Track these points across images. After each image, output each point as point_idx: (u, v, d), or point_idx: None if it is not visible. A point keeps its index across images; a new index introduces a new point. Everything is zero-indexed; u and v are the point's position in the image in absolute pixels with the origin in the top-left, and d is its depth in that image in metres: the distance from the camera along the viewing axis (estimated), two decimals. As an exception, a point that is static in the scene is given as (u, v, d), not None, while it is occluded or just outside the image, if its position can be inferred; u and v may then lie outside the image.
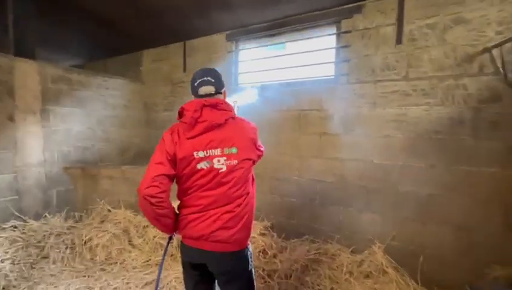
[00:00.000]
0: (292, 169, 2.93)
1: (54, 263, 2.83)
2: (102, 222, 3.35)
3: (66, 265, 2.83)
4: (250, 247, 1.46)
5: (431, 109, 2.23)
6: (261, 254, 2.70)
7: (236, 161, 1.32)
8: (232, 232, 1.31)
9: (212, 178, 1.31)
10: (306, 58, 2.86)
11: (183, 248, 1.39)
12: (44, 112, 3.11)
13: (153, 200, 1.22)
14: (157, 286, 1.51)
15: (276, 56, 3.04)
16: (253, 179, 1.46)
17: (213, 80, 1.37)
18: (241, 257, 1.37)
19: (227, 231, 1.31)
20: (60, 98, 3.24)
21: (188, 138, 1.29)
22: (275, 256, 2.73)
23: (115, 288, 2.50)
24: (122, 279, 2.62)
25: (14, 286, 2.48)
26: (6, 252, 2.65)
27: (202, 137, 1.30)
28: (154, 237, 3.18)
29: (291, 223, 2.95)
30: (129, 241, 3.18)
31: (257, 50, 3.21)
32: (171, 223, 1.34)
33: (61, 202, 3.36)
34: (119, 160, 4.01)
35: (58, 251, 2.88)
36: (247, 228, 1.36)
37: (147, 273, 2.74)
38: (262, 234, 2.89)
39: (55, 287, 2.50)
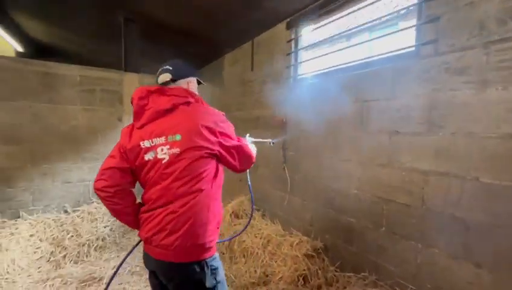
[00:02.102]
0: (351, 179, 2.22)
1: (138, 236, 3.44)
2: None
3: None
4: (216, 261, 1.17)
5: None
6: (300, 280, 2.20)
7: (178, 150, 1.10)
8: (173, 239, 1.08)
9: (157, 170, 1.14)
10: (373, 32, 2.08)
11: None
12: (141, 113, 3.83)
13: (102, 194, 1.17)
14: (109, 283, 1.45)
15: (337, 34, 2.40)
16: (216, 176, 1.17)
17: (171, 68, 1.28)
18: (190, 272, 1.10)
19: (169, 236, 1.08)
20: (153, 101, 3.90)
21: (138, 128, 1.19)
22: (319, 288, 2.16)
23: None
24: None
25: (107, 247, 3.17)
26: (109, 221, 3.41)
27: (150, 125, 1.17)
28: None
29: (349, 250, 2.25)
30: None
31: (317, 32, 2.66)
32: (132, 221, 1.25)
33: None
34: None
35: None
36: (194, 235, 1.08)
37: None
38: (309, 256, 2.36)
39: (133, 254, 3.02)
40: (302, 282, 2.20)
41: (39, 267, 2.68)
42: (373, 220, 2.05)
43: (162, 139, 1.12)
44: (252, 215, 1.96)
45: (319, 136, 2.53)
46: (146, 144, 1.14)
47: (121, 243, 3.29)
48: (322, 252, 2.41)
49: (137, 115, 1.18)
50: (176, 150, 1.10)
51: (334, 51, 2.39)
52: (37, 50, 4.92)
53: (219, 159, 1.20)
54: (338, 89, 2.28)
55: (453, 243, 1.59)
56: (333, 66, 2.42)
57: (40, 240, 2.93)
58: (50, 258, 2.82)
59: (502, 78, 1.38)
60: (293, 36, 2.87)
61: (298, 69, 2.85)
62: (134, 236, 3.42)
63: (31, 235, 2.93)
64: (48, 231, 3.02)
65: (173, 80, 1.26)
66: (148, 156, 1.13)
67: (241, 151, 1.27)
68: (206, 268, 1.12)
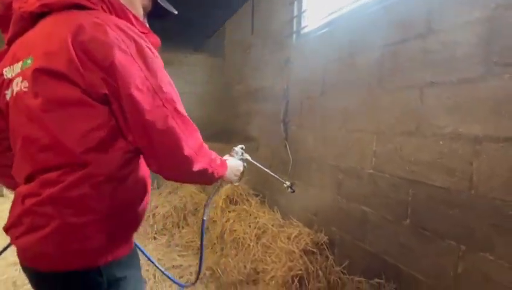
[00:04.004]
0: (365, 155, 1.66)
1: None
2: (170, 193, 3.45)
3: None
4: (122, 267, 0.72)
5: None
6: (295, 281, 1.73)
7: (26, 83, 0.65)
8: (34, 238, 0.64)
9: (13, 119, 0.72)
10: None
11: None
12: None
13: None
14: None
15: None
16: (116, 139, 0.67)
17: None
18: (73, 285, 0.67)
19: (30, 233, 0.65)
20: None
21: (7, 44, 0.76)
22: (318, 293, 1.68)
23: (147, 260, 2.39)
24: (159, 253, 2.51)
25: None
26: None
27: (16, 42, 0.73)
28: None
29: (360, 247, 1.72)
30: (184, 217, 3.08)
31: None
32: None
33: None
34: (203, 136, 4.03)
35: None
36: (74, 240, 0.64)
37: (180, 255, 2.49)
38: (309, 253, 1.88)
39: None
40: (298, 285, 1.72)
41: None
42: (394, 209, 1.50)
43: (19, 66, 0.67)
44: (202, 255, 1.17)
45: (325, 104, 1.98)
46: (7, 72, 0.71)
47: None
48: (327, 249, 1.91)
49: (2, 21, 0.75)
50: (24, 84, 0.65)
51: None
52: None
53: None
54: (350, 37, 1.71)
55: (521, 248, 1.02)
56: (344, 7, 1.83)
57: None
58: None
59: None
60: (296, -20, 2.30)
61: (302, 22, 2.28)
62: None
63: None
64: None
65: None
66: (8, 95, 0.70)
67: (158, 120, 0.64)
68: (99, 279, 0.67)
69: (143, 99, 0.62)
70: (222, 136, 3.79)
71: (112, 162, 0.65)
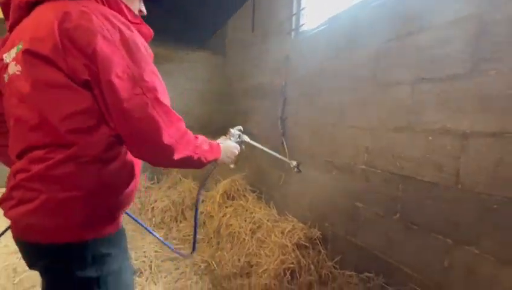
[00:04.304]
0: (358, 151, 1.68)
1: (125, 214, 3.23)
2: (169, 188, 3.50)
3: (130, 219, 3.13)
4: (106, 244, 0.75)
5: None
6: (287, 274, 1.75)
7: (19, 66, 0.69)
8: (23, 210, 0.68)
9: (7, 100, 0.77)
10: None
11: None
12: (134, 82, 3.53)
13: None
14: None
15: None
16: (99, 126, 0.70)
17: None
18: (59, 256, 0.71)
19: (20, 206, 0.69)
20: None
21: (9, 32, 0.81)
22: (309, 286, 1.70)
23: (144, 252, 2.43)
24: (156, 245, 2.54)
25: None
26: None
27: (16, 28, 0.77)
28: (202, 212, 2.94)
29: (352, 242, 1.74)
30: (182, 211, 3.12)
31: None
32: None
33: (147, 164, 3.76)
34: (203, 132, 4.06)
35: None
36: (60, 214, 0.68)
37: (176, 248, 2.52)
38: (302, 247, 1.90)
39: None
40: (289, 277, 1.75)
41: None
42: (384, 205, 1.52)
43: (14, 51, 0.71)
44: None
45: (321, 101, 2.01)
46: (6, 57, 0.75)
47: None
48: (319, 243, 1.94)
49: (4, 9, 0.79)
50: (17, 68, 0.69)
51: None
52: None
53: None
54: (346, 35, 1.73)
55: (504, 241, 1.03)
56: (340, 6, 1.85)
57: None
58: None
59: None
60: (295, -23, 2.32)
61: (301, 19, 2.30)
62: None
63: None
64: None
65: None
66: (6, 78, 0.75)
67: (136, 108, 0.66)
68: (88, 251, 0.71)
69: (122, 86, 0.64)
70: (222, 132, 3.83)
71: (98, 145, 0.68)
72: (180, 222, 3.03)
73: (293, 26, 2.36)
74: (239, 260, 2.13)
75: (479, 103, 1.09)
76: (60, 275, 0.72)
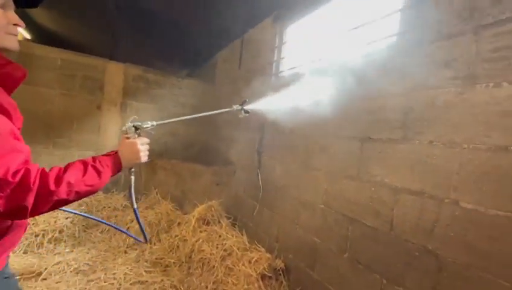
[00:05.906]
0: (318, 192, 1.89)
1: (101, 232, 3.24)
2: (147, 208, 3.56)
3: (104, 238, 3.15)
4: None
5: None
6: (247, 304, 1.87)
7: None
8: None
9: None
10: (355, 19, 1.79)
11: None
12: (124, 104, 3.68)
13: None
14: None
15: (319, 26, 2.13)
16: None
17: None
18: None
19: None
20: (137, 94, 3.75)
21: None
22: (268, 317, 1.82)
23: (114, 274, 2.47)
24: (127, 267, 2.58)
25: (64, 240, 2.98)
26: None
27: None
28: (177, 235, 3.01)
29: (310, 275, 1.90)
30: (157, 233, 3.17)
31: (302, 26, 2.40)
32: None
33: (127, 183, 3.84)
34: (183, 155, 4.19)
35: (106, 223, 3.28)
36: None
37: (147, 271, 2.57)
38: (266, 277, 2.03)
39: (88, 250, 2.81)
40: (249, 308, 1.87)
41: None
42: (337, 242, 1.70)
43: None
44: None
45: (292, 140, 2.23)
46: None
47: (80, 238, 3.08)
48: (282, 274, 2.07)
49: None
50: None
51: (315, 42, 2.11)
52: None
53: None
54: (313, 87, 1.99)
55: (423, 284, 1.22)
56: (310, 61, 2.14)
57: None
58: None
59: (493, 72, 1.05)
60: (277, 30, 2.63)
61: (280, 66, 2.59)
62: (96, 232, 3.21)
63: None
64: (4, 216, 2.87)
65: None
66: None
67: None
68: None
69: None
70: (204, 156, 3.99)
71: None
72: (154, 244, 3.07)
73: (273, 71, 2.64)
74: (207, 287, 2.22)
75: (407, 165, 1.33)
76: None
